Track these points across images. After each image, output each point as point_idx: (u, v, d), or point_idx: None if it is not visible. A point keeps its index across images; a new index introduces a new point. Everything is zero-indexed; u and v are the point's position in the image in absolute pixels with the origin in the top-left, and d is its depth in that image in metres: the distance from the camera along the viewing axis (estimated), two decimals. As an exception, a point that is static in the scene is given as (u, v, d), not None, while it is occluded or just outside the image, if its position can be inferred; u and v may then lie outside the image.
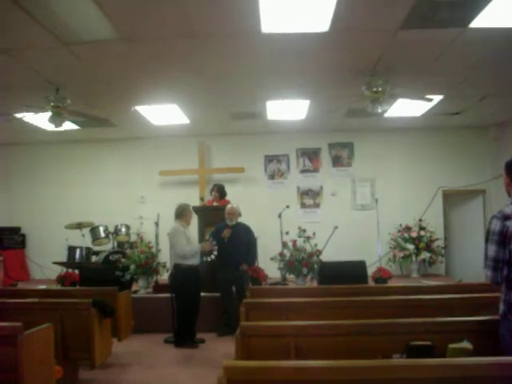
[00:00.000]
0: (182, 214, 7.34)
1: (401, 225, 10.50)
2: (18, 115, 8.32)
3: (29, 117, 8.30)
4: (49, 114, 7.26)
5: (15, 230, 11.38)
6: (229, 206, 8.03)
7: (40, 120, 8.53)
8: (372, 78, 6.86)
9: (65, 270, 9.37)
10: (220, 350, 6.72)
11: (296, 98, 8.46)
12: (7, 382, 3.68)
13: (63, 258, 9.81)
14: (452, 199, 11.21)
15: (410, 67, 6.81)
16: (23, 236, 11.48)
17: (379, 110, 7.13)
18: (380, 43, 5.99)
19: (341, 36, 5.70)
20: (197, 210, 8.30)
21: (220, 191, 9.08)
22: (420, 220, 10.53)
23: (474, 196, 11.09)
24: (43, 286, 8.03)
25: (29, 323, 3.96)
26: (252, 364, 2.74)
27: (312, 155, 11.43)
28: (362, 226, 10.62)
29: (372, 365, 2.61)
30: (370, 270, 8.33)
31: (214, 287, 7.88)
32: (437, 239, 10.39)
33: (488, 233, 3.32)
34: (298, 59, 6.48)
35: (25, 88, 7.21)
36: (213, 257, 7.51)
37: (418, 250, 10.19)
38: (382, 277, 8.44)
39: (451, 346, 3.34)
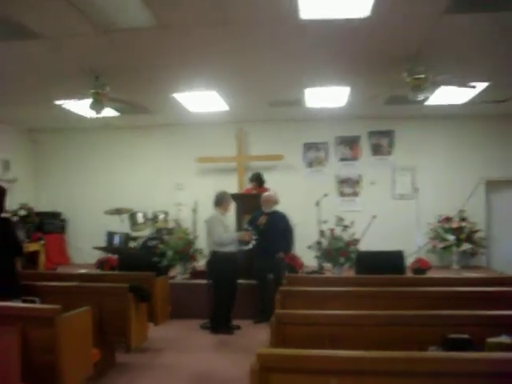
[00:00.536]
0: (220, 201, 7.36)
1: (441, 215, 10.30)
2: (59, 102, 8.44)
3: (69, 104, 8.42)
4: (89, 100, 7.35)
5: (56, 215, 11.63)
6: (265, 193, 8.01)
7: (80, 107, 8.65)
8: (414, 65, 6.71)
9: (104, 254, 9.52)
10: (255, 336, 6.72)
11: (335, 85, 8.34)
12: (46, 363, 3.75)
13: (102, 243, 9.98)
14: (495, 189, 10.92)
15: (454, 53, 6.63)
16: (64, 221, 11.73)
17: (420, 98, 6.98)
18: (423, 28, 5.84)
19: (382, 21, 5.57)
20: (234, 197, 8.30)
21: (258, 180, 9.08)
22: (461, 210, 10.31)
23: (518, 187, 10.79)
24: (83, 271, 8.17)
25: (68, 306, 4.04)
26: (284, 352, 2.72)
27: (351, 143, 11.30)
28: (401, 215, 10.46)
29: (407, 356, 2.56)
30: (409, 261, 8.21)
31: (251, 274, 7.88)
32: (478, 230, 10.17)
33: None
34: (337, 45, 6.38)
35: (65, 75, 7.31)
36: (250, 246, 7.50)
37: (458, 241, 9.99)
38: (420, 267, 8.33)
39: (489, 340, 3.25)
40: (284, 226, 7.87)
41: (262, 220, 7.64)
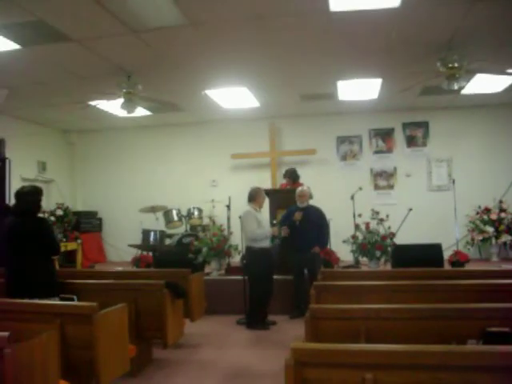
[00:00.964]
0: (254, 197, 7.35)
1: (480, 206, 10.11)
2: (93, 102, 8.56)
3: (103, 104, 8.53)
4: (121, 100, 7.43)
5: (92, 214, 11.82)
6: (299, 188, 7.95)
7: (112, 107, 8.75)
8: (447, 53, 6.59)
9: (139, 252, 9.62)
10: (291, 332, 6.70)
11: (368, 77, 8.26)
12: (84, 359, 3.81)
13: (138, 240, 10.08)
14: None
15: (488, 40, 6.48)
16: (100, 220, 11.91)
17: (456, 87, 6.84)
18: (455, 16, 5.72)
19: (413, 10, 5.50)
20: (268, 192, 8.28)
21: (292, 176, 9.06)
22: (500, 201, 10.08)
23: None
24: (119, 268, 8.27)
25: (105, 303, 4.09)
26: (319, 346, 2.69)
27: (385, 135, 11.17)
28: (438, 207, 10.29)
29: (445, 350, 2.50)
30: (447, 254, 8.07)
31: (287, 270, 7.86)
32: (519, 221, 9.93)
33: None
34: (368, 37, 6.32)
35: (98, 76, 7.42)
36: (277, 241, 7.53)
37: (498, 233, 9.78)
38: (459, 260, 8.16)
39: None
40: (319, 221, 7.82)
41: (298, 216, 7.60)
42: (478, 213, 10.10)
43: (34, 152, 10.84)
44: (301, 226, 7.56)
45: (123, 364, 4.21)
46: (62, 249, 8.67)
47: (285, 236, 7.49)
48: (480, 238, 9.90)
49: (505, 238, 9.75)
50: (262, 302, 7.18)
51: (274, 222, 7.66)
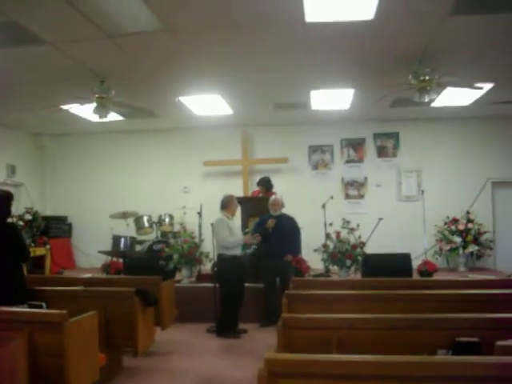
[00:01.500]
0: (227, 204, 7.35)
1: (448, 217, 10.28)
2: (65, 106, 8.46)
3: (74, 108, 8.44)
4: (94, 105, 7.37)
5: (62, 219, 11.65)
6: (272, 196, 8.01)
7: (85, 111, 8.66)
8: (419, 67, 6.70)
9: (110, 258, 9.52)
10: (262, 340, 6.70)
11: (340, 88, 8.34)
12: (53, 368, 3.75)
13: (108, 246, 9.97)
14: (502, 191, 10.87)
15: (459, 55, 6.62)
16: (70, 225, 11.75)
17: (426, 100, 6.97)
18: (427, 30, 5.83)
19: (386, 24, 5.58)
20: (240, 200, 8.29)
21: (266, 184, 9.11)
22: (468, 212, 10.28)
23: (525, 187, 10.74)
24: (88, 275, 8.17)
25: (74, 311, 4.04)
26: (293, 357, 2.70)
27: (356, 145, 11.29)
28: (407, 217, 10.43)
29: (414, 360, 2.54)
30: (416, 263, 8.17)
31: (258, 278, 7.87)
32: (485, 232, 10.13)
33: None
34: (342, 48, 6.38)
35: (71, 80, 7.32)
36: (252, 249, 7.54)
37: (465, 243, 9.95)
38: (427, 270, 8.27)
39: (499, 343, 3.22)
40: (292, 229, 7.88)
41: (271, 224, 7.64)
42: (446, 223, 10.27)
43: (4, 155, 10.63)
44: (273, 234, 7.60)
45: (93, 373, 4.16)
46: (31, 254, 8.51)
47: (256, 243, 7.52)
48: (448, 248, 10.07)
49: (472, 248, 9.93)
50: (233, 309, 7.17)
51: (247, 230, 7.68)
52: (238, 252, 7.22)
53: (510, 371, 2.41)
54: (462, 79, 7.23)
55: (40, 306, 4.62)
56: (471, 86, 7.45)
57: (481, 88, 7.60)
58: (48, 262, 9.89)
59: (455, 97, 8.56)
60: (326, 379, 2.51)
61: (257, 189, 9.40)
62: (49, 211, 11.74)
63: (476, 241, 9.98)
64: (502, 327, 3.37)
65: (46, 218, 11.16)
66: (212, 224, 7.41)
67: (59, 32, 5.65)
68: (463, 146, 10.85)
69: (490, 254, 10.27)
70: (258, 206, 8.41)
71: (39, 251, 9.66)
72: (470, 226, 10.06)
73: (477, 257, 10.08)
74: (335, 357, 2.91)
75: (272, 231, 7.62)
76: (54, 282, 6.25)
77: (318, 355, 2.70)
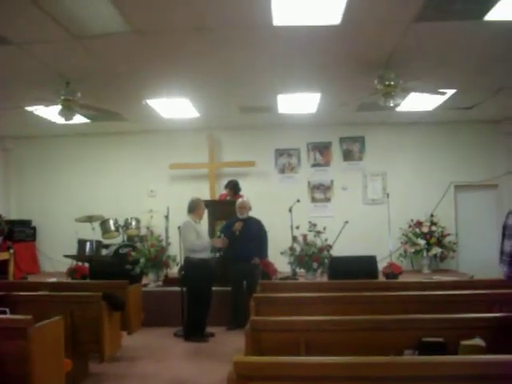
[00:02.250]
0: (194, 208, 7.34)
1: (412, 220, 10.45)
2: (29, 108, 8.33)
3: (40, 110, 8.31)
4: (59, 107, 7.26)
5: (26, 223, 11.42)
6: (239, 200, 8.03)
7: (51, 113, 8.54)
8: (384, 72, 6.79)
9: (75, 263, 9.39)
10: (229, 344, 6.70)
11: (307, 92, 8.40)
12: (18, 374, 3.68)
13: (73, 251, 9.83)
14: (464, 194, 11.11)
15: (423, 60, 6.73)
16: (34, 229, 11.52)
17: (391, 104, 7.06)
18: (393, 36, 5.92)
19: (353, 28, 5.64)
20: (207, 204, 8.28)
21: (234, 187, 9.11)
22: (432, 215, 10.46)
23: (486, 191, 10.98)
24: (53, 279, 8.05)
25: (39, 316, 3.97)
26: (262, 360, 2.72)
27: (323, 149, 11.38)
28: (372, 220, 10.55)
29: (383, 361, 2.58)
30: (381, 265, 8.30)
31: (225, 281, 7.86)
32: (448, 234, 10.33)
33: (504, 228, 3.28)
34: (309, 52, 6.43)
35: (36, 81, 7.20)
36: (221, 253, 7.57)
37: (429, 246, 10.12)
38: (392, 272, 8.40)
39: (463, 342, 3.30)
40: (259, 232, 7.91)
41: (238, 226, 7.65)
42: (410, 226, 10.43)
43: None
44: (241, 237, 7.62)
45: (58, 379, 4.11)
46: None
47: (222, 247, 7.53)
48: (412, 250, 10.22)
49: (435, 250, 10.10)
50: (200, 313, 7.14)
51: (221, 235, 7.65)
52: (205, 255, 7.20)
53: (474, 370, 2.47)
54: (425, 85, 7.37)
55: (4, 312, 4.53)
56: (435, 92, 7.60)
57: (444, 93, 7.75)
58: (11, 267, 9.67)
59: (419, 102, 8.71)
60: (295, 381, 2.53)
61: (224, 192, 9.39)
62: (13, 215, 11.50)
63: (439, 243, 10.16)
64: (466, 327, 3.44)
65: (10, 222, 10.94)
66: (179, 227, 7.39)
67: (25, 33, 5.55)
68: (427, 150, 11.05)
69: (453, 256, 10.46)
70: (225, 210, 8.41)
71: (2, 256, 9.43)
72: (433, 228, 10.24)
73: (440, 259, 10.25)
74: (304, 359, 2.94)
75: (239, 234, 7.63)
76: (17, 287, 6.14)
77: (287, 358, 2.72)
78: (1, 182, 11.59)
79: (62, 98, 7.14)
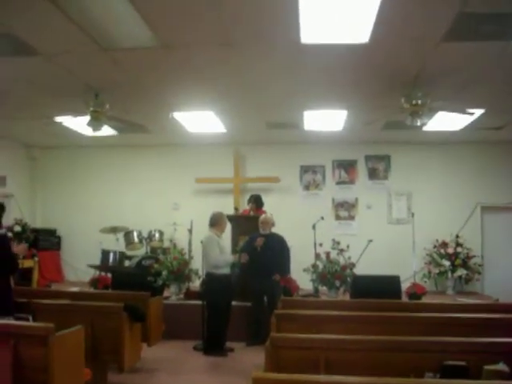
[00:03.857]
0: (216, 222, 7.34)
1: (437, 240, 10.34)
2: (58, 119, 8.46)
3: (68, 121, 8.44)
4: (88, 118, 7.37)
5: (51, 232, 11.58)
6: (262, 215, 8.01)
7: (78, 124, 8.66)
8: (412, 91, 6.76)
9: (98, 273, 9.46)
10: (249, 359, 6.66)
11: (334, 109, 8.40)
12: (37, 382, 3.71)
13: (97, 261, 9.91)
14: (490, 216, 10.94)
15: (451, 80, 6.69)
16: (59, 238, 11.67)
17: (418, 124, 7.02)
18: (421, 55, 5.90)
19: (381, 47, 5.64)
20: (231, 218, 8.28)
21: (256, 202, 9.08)
22: (457, 236, 10.33)
23: (514, 213, 10.82)
24: (76, 289, 8.11)
25: (61, 324, 4.00)
26: (281, 377, 2.70)
27: (348, 167, 11.34)
28: (397, 240, 10.44)
29: (403, 383, 2.54)
30: (404, 286, 8.18)
31: (245, 296, 7.84)
32: (474, 256, 10.18)
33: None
34: (336, 70, 6.44)
35: (65, 92, 7.33)
36: (236, 269, 7.59)
37: (453, 267, 9.99)
38: (416, 293, 8.28)
39: (487, 367, 3.23)
40: (281, 249, 7.87)
41: (260, 242, 7.63)
42: (435, 246, 10.32)
43: (-6, 166, 10.61)
44: (262, 252, 7.58)
45: (78, 388, 4.12)
46: (19, 266, 8.44)
47: (244, 262, 7.51)
48: (436, 271, 10.10)
49: (460, 271, 9.96)
50: (220, 328, 7.13)
51: (237, 249, 7.68)
52: (227, 271, 7.20)
53: (497, 396, 2.41)
54: (453, 104, 7.31)
55: (26, 319, 4.58)
56: (463, 112, 7.53)
57: (472, 113, 7.68)
58: (36, 275, 9.80)
59: (446, 121, 8.64)
60: (314, 399, 2.50)
61: (247, 207, 9.40)
62: (38, 223, 11.68)
63: (465, 265, 10.02)
64: (490, 351, 3.38)
65: (36, 230, 11.10)
66: (202, 241, 7.39)
67: (55, 44, 5.65)
68: (453, 170, 10.94)
69: (478, 278, 10.30)
70: (248, 224, 8.40)
71: (27, 263, 9.56)
72: (459, 249, 10.11)
73: (465, 281, 10.11)
74: (323, 377, 2.91)
75: (261, 250, 7.61)
76: (41, 294, 6.21)
77: (306, 375, 2.70)
78: (27, 190, 11.77)
79: (91, 109, 7.24)
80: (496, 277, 10.46)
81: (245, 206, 9.79)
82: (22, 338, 3.79)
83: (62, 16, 4.89)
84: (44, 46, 5.71)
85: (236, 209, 10.12)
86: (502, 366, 3.21)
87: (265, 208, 9.01)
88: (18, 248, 5.90)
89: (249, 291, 7.80)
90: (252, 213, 8.91)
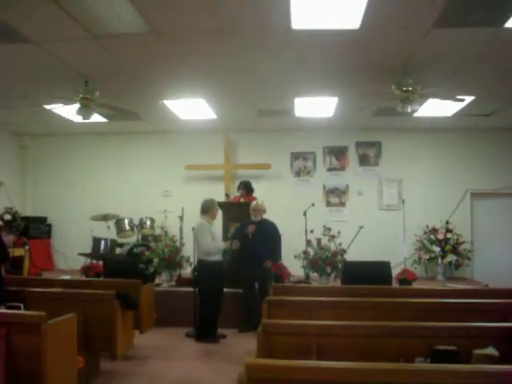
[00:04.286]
0: (208, 209, 7.34)
1: (427, 226, 10.39)
2: (48, 106, 8.40)
3: (58, 108, 8.38)
4: (77, 105, 7.32)
5: (42, 220, 11.53)
6: (254, 202, 8.01)
7: (68, 112, 8.61)
8: (402, 77, 6.77)
9: (89, 260, 9.45)
10: (241, 346, 6.70)
11: (324, 96, 8.39)
12: (30, 370, 3.71)
13: (88, 249, 9.89)
14: (480, 202, 11.02)
15: (441, 67, 6.71)
16: (49, 226, 11.63)
17: (409, 110, 7.03)
18: (411, 42, 5.91)
19: (371, 33, 5.64)
20: (221, 205, 8.29)
21: (247, 188, 9.09)
22: (447, 222, 10.39)
23: (502, 199, 10.89)
24: (67, 277, 8.11)
25: (53, 313, 3.99)
26: (274, 362, 2.72)
27: (339, 153, 11.36)
28: (387, 226, 10.51)
29: (394, 368, 2.57)
30: (395, 271, 8.24)
31: (237, 283, 7.87)
32: (464, 242, 10.25)
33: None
34: (327, 56, 6.43)
35: (55, 79, 7.27)
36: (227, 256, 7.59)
37: (443, 253, 10.06)
38: (406, 278, 8.34)
39: (476, 351, 3.27)
40: (272, 235, 7.89)
41: (251, 229, 7.64)
42: (425, 232, 10.38)
43: (-17, 154, 10.53)
44: (254, 239, 7.60)
45: (71, 376, 4.12)
46: (10, 255, 8.42)
47: (235, 249, 7.51)
48: (427, 257, 10.17)
49: (450, 257, 10.03)
50: (212, 314, 7.15)
51: (228, 235, 7.69)
52: (219, 258, 7.22)
53: (486, 379, 2.45)
54: (444, 91, 7.33)
55: (18, 308, 4.57)
56: (453, 98, 7.55)
57: (462, 100, 7.70)
58: (26, 263, 9.78)
59: (437, 108, 8.66)
60: (306, 385, 2.53)
61: (237, 194, 9.40)
62: (29, 211, 11.62)
63: (454, 251, 10.09)
64: (480, 336, 3.41)
65: (26, 219, 11.05)
66: (193, 228, 7.40)
67: (45, 31, 5.61)
68: (444, 156, 10.99)
69: (468, 263, 10.39)
70: (239, 211, 8.41)
71: (18, 252, 9.55)
72: (448, 235, 10.17)
73: (455, 266, 10.18)
74: (314, 363, 2.93)
75: (252, 237, 7.62)
76: (32, 283, 6.19)
77: (298, 361, 2.71)
78: (17, 178, 11.70)
79: (81, 96, 7.20)
80: (485, 262, 10.56)
81: (235, 193, 9.79)
82: (14, 326, 3.78)
83: (52, 3, 4.85)
84: (34, 33, 5.67)
85: (227, 195, 10.12)
86: (491, 350, 3.25)
87: (256, 195, 9.01)
88: (6, 240, 5.87)
89: (240, 278, 7.82)
90: (242, 199, 8.93)
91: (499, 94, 8.04)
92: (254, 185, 9.27)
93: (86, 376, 4.84)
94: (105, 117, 9.55)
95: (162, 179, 11.38)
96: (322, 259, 8.48)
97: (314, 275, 8.75)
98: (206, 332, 7.11)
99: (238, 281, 7.87)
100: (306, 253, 8.66)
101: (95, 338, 5.05)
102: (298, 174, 11.40)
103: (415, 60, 6.44)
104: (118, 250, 10.13)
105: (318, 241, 8.70)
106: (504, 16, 5.12)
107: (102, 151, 11.65)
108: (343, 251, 8.54)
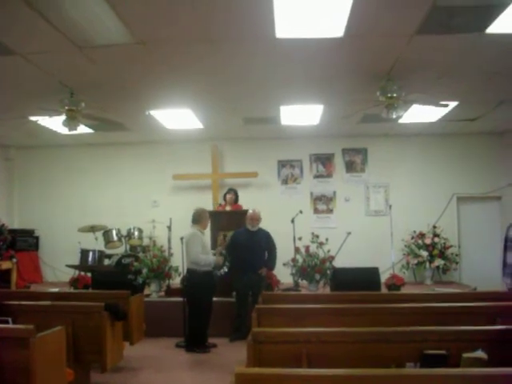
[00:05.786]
0: (199, 218, 7.32)
1: (415, 231, 10.45)
2: (33, 118, 8.36)
3: (43, 120, 8.34)
4: (63, 117, 7.30)
5: (29, 233, 11.43)
6: (250, 211, 7.95)
7: (54, 123, 8.57)
8: (387, 84, 6.81)
9: (77, 272, 9.40)
10: (231, 355, 6.68)
11: (310, 103, 8.43)
12: (19, 384, 3.68)
13: (76, 260, 9.84)
14: (467, 206, 11.10)
15: (425, 73, 6.76)
16: (37, 238, 11.52)
17: (394, 116, 7.08)
18: (395, 49, 5.95)
19: (355, 41, 5.67)
20: (210, 214, 8.28)
21: (236, 194, 9.15)
22: (434, 227, 10.46)
23: (489, 203, 10.99)
24: (56, 289, 8.05)
25: (41, 326, 3.98)
26: (264, 371, 2.72)
27: (325, 160, 11.40)
28: (375, 232, 10.56)
29: (385, 374, 2.58)
30: (383, 277, 8.28)
31: (227, 292, 7.86)
32: (451, 246, 10.31)
33: (506, 240, 3.28)
34: (312, 64, 6.46)
35: (40, 91, 7.24)
36: (225, 270, 7.51)
37: (431, 257, 10.11)
38: (395, 284, 8.38)
39: (465, 355, 3.29)
40: (267, 245, 7.87)
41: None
42: (413, 237, 10.43)
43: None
44: (249, 248, 7.58)
45: (60, 389, 4.10)
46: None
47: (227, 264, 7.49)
48: (415, 261, 10.21)
49: (438, 262, 10.09)
50: (202, 324, 7.13)
51: (223, 251, 7.62)
52: (208, 268, 7.19)
53: (476, 383, 2.46)
54: (428, 97, 7.39)
55: (6, 322, 4.53)
56: (437, 104, 7.61)
57: (446, 106, 7.76)
58: (14, 276, 9.68)
59: (422, 114, 8.73)
60: (297, 393, 2.53)
61: (223, 203, 9.41)
62: (16, 224, 11.53)
63: (442, 255, 10.15)
64: (468, 339, 3.43)
65: (13, 231, 10.95)
66: (182, 238, 7.38)
67: (29, 43, 5.59)
68: (430, 161, 11.06)
69: (456, 267, 10.46)
70: (228, 220, 8.42)
71: (5, 265, 9.46)
72: (436, 240, 10.23)
73: (443, 271, 10.23)
74: (305, 371, 2.94)
75: (247, 246, 7.60)
76: (20, 296, 6.15)
77: (289, 369, 2.72)
78: (4, 191, 11.60)
79: (66, 108, 7.16)
80: (473, 266, 10.63)
81: (223, 202, 9.79)
82: (3, 340, 3.76)
83: (36, 15, 4.84)
84: (18, 44, 5.63)
85: (220, 205, 10.10)
86: (480, 354, 3.28)
87: (244, 203, 9.04)
88: None
89: (235, 287, 7.79)
90: (229, 206, 8.96)
91: (483, 98, 8.12)
92: (241, 193, 9.33)
93: (75, 389, 4.80)
94: (91, 128, 9.52)
95: (150, 189, 11.34)
96: (310, 266, 8.51)
97: (303, 283, 8.77)
98: (195, 342, 7.09)
99: (230, 290, 7.85)
100: (294, 260, 8.67)
101: (85, 351, 5.03)
102: (285, 181, 11.43)
103: (399, 66, 6.49)
104: (107, 261, 10.09)
105: (307, 248, 8.73)
106: (486, 21, 5.17)
107: (89, 162, 11.59)
108: (331, 258, 8.58)
